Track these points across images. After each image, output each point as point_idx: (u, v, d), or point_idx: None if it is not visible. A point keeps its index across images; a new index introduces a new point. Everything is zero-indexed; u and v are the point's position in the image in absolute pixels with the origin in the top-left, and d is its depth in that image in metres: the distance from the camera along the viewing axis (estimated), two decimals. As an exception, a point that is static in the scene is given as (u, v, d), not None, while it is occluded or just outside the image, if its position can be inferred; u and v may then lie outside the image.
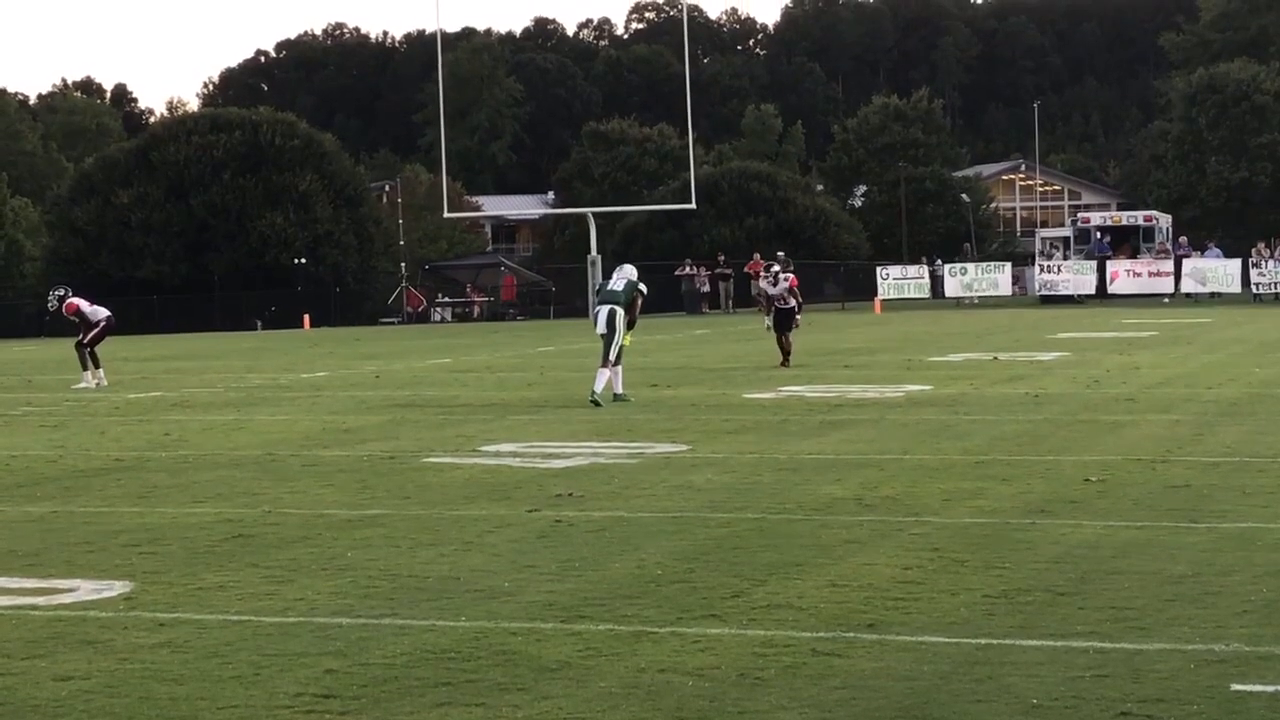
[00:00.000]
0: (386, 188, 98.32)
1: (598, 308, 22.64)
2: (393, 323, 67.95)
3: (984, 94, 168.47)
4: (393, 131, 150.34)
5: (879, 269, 66.55)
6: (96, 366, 28.16)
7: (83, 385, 27.61)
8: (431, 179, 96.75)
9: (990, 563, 9.91)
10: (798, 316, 28.82)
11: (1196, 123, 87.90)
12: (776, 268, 29.38)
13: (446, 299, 72.63)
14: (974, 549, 10.39)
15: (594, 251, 66.32)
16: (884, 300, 60.66)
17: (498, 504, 12.84)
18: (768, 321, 28.62)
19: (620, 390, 22.07)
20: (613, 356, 21.95)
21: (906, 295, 63.51)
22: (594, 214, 71.65)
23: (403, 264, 74.99)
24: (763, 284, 28.96)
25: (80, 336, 28.59)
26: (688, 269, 66.75)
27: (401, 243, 78.87)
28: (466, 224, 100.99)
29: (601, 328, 22.07)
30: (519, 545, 10.95)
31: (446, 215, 79.49)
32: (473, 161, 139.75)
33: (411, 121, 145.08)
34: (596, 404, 21.22)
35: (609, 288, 22.98)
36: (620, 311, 22.21)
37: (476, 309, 70.57)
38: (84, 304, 29.11)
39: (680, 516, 11.99)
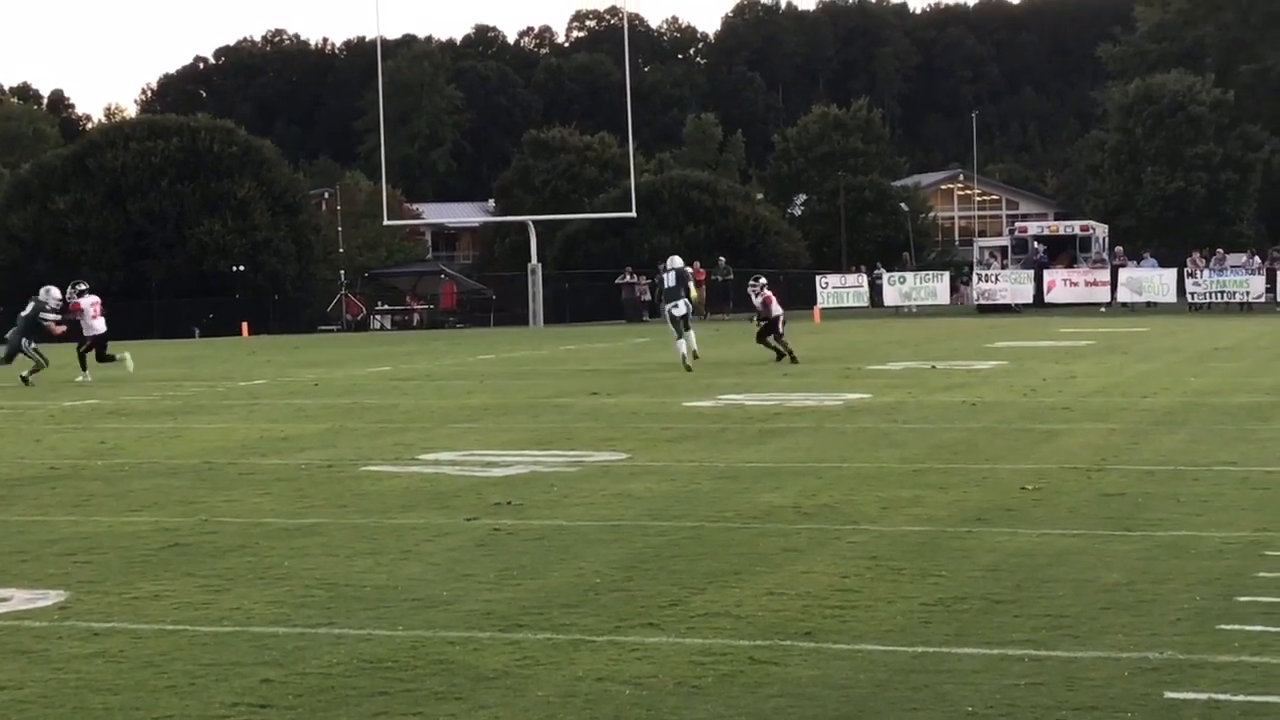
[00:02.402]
0: (326, 195, 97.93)
1: (673, 304, 29.81)
2: (332, 330, 67.66)
3: (923, 104, 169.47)
4: (332, 138, 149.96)
5: (818, 278, 66.79)
6: (84, 369, 31.42)
7: (80, 380, 30.70)
8: (371, 186, 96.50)
9: (927, 571, 9.95)
10: (780, 329, 31.39)
11: (1133, 133, 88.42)
12: (764, 280, 32.84)
13: (386, 307, 72.39)
14: (911, 557, 10.43)
15: (534, 259, 66.30)
16: (823, 309, 60.83)
17: (436, 512, 12.81)
18: (757, 324, 32.43)
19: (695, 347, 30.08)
20: (692, 334, 29.76)
21: (846, 304, 63.78)
22: (534, 222, 71.70)
23: (342, 271, 74.70)
24: (755, 300, 32.21)
25: (80, 343, 32.12)
26: (628, 277, 66.79)
27: (341, 250, 78.59)
28: (406, 231, 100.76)
29: (680, 312, 29.59)
30: (457, 554, 10.93)
31: (386, 223, 79.40)
32: (413, 169, 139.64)
33: (351, 128, 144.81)
34: (689, 368, 28.36)
35: (668, 286, 30.37)
36: (686, 302, 29.79)
37: (416, 317, 70.37)
38: (89, 310, 32.34)
39: (619, 525, 11.99)
